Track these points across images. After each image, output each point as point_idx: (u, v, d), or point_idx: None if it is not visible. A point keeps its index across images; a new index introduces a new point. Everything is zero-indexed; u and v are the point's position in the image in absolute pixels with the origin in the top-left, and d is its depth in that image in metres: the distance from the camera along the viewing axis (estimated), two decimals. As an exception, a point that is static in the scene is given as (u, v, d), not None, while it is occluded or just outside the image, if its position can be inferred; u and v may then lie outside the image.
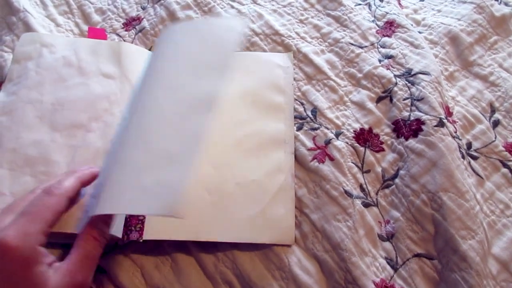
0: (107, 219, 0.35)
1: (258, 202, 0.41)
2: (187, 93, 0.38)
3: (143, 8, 0.58)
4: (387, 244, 0.41)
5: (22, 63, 0.47)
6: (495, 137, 0.47)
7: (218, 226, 0.40)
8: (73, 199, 0.34)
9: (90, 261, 0.32)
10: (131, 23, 0.57)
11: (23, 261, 0.28)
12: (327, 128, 0.46)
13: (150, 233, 0.39)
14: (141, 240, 0.39)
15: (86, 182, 0.36)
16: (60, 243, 0.39)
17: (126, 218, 0.40)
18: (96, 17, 0.58)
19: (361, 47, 0.52)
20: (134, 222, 0.40)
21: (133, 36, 0.55)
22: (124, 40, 0.55)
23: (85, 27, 0.57)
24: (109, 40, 0.55)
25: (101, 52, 0.48)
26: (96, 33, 0.53)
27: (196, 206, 0.41)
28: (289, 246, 0.41)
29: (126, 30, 0.56)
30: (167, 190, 0.32)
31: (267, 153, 0.44)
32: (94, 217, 0.34)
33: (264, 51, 0.52)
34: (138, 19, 0.57)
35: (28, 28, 0.54)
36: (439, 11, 0.59)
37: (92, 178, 0.37)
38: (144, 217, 0.40)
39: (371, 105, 0.48)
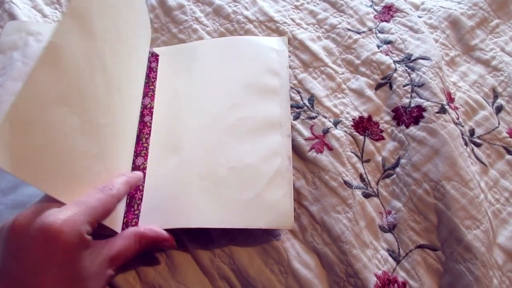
0: (160, 239, 0.37)
1: (254, 186, 0.40)
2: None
3: (133, -3, 0.56)
4: (389, 236, 0.40)
5: (8, 53, 0.45)
6: (499, 123, 0.46)
7: (211, 212, 0.39)
8: (121, 200, 0.36)
9: (127, 258, 0.35)
10: (120, 12, 0.55)
11: (69, 246, 0.29)
12: (325, 117, 0.45)
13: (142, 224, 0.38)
14: None
15: (133, 187, 0.38)
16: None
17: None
18: (84, 7, 0.56)
19: (359, 33, 0.51)
20: (130, 217, 0.38)
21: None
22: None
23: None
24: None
25: None
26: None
27: (187, 192, 0.40)
28: (290, 230, 0.39)
29: (115, 20, 0.54)
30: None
31: (262, 137, 0.42)
32: (156, 231, 0.37)
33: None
34: (127, 8, 0.55)
35: (13, 19, 0.52)
36: (438, -6, 0.57)
37: (138, 182, 0.39)
38: (139, 211, 0.39)
39: (370, 92, 0.46)
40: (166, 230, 0.38)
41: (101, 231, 0.35)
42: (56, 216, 0.29)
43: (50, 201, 0.32)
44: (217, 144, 0.42)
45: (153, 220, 0.38)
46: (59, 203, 0.31)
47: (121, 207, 0.38)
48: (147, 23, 0.51)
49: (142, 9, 0.49)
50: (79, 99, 0.33)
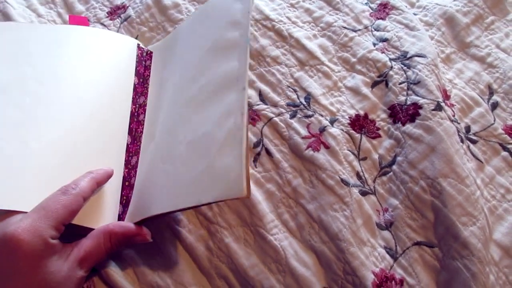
0: (130, 234, 0.36)
1: (205, 156, 0.34)
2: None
3: (128, -4, 0.56)
4: (386, 233, 0.40)
5: None
6: (494, 120, 0.46)
7: (166, 196, 0.35)
8: (88, 198, 0.36)
9: (99, 256, 0.34)
10: (115, 11, 0.55)
11: (33, 254, 0.29)
12: (322, 115, 0.45)
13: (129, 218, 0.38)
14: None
15: (101, 182, 0.37)
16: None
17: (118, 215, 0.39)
18: (80, 6, 0.56)
19: (355, 31, 0.51)
20: (124, 216, 0.38)
21: (118, 25, 0.53)
22: (109, 30, 0.53)
23: (67, 17, 0.54)
24: (91, 27, 0.52)
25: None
26: (78, 21, 0.51)
27: (152, 180, 0.38)
28: (246, 197, 0.30)
29: (110, 19, 0.54)
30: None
31: (219, 99, 0.36)
32: (124, 226, 0.35)
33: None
34: (123, 7, 0.55)
35: (7, 19, 0.52)
36: (433, -9, 0.57)
37: (107, 178, 0.38)
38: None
39: (366, 90, 0.46)
40: (144, 223, 0.36)
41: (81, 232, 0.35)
42: (17, 225, 0.30)
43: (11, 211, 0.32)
44: (178, 121, 0.39)
45: (134, 216, 0.38)
46: (20, 212, 0.32)
47: (105, 204, 0.38)
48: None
49: None
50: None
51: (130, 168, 0.41)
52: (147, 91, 0.46)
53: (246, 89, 0.34)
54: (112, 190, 0.39)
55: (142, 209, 0.37)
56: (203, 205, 0.33)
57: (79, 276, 0.33)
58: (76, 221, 0.35)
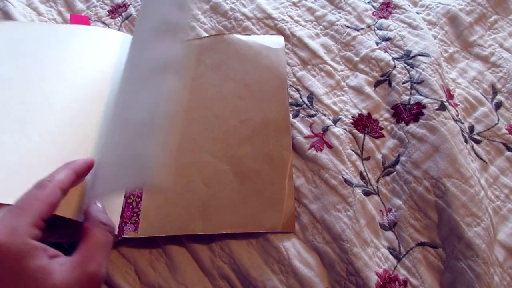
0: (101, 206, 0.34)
1: (136, 142, 0.35)
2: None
3: (129, -6, 0.56)
4: (389, 233, 0.40)
5: None
6: (498, 120, 0.46)
7: (104, 179, 0.36)
8: (67, 189, 0.33)
9: (102, 250, 0.30)
10: (116, 10, 0.54)
11: (13, 256, 0.26)
12: (324, 115, 0.44)
13: (145, 230, 0.38)
14: (136, 231, 0.37)
15: (81, 173, 0.35)
16: (66, 242, 0.38)
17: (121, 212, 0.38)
18: (80, 5, 0.55)
19: (357, 30, 0.50)
20: (128, 214, 0.38)
21: (119, 24, 0.53)
22: (110, 28, 0.53)
23: (69, 16, 0.54)
24: (92, 26, 0.52)
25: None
26: (79, 20, 0.51)
27: (100, 161, 0.38)
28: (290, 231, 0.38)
29: (111, 18, 0.54)
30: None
31: (156, 84, 0.37)
32: (93, 205, 0.33)
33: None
34: (124, 6, 0.55)
35: (7, 17, 0.51)
36: (436, -10, 0.57)
37: (88, 168, 0.36)
38: (139, 209, 0.39)
39: (369, 90, 0.46)
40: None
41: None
42: None
43: None
44: (122, 105, 0.39)
45: (158, 227, 0.38)
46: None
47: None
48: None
49: None
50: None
51: None
52: None
53: (185, 75, 0.34)
54: None
55: (92, 191, 0.36)
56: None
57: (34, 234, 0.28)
58: (58, 212, 0.32)
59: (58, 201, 0.31)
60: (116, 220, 0.37)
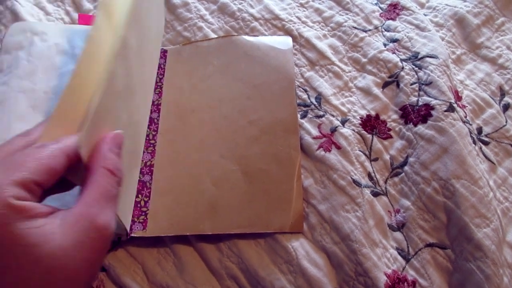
0: (119, 141, 0.28)
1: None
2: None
3: (137, -6, 0.56)
4: (398, 234, 0.40)
5: (13, 53, 0.44)
6: (506, 121, 0.46)
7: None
8: (75, 159, 0.25)
9: (109, 202, 0.25)
10: (124, 10, 0.54)
11: None
12: (333, 116, 0.44)
13: (154, 229, 0.38)
14: (145, 231, 0.37)
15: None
16: None
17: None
18: (88, 5, 0.55)
19: (365, 31, 0.50)
20: (136, 213, 0.38)
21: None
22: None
23: (76, 16, 0.54)
24: None
25: None
26: (87, 19, 0.51)
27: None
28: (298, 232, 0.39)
29: (119, 18, 0.54)
30: None
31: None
32: (104, 142, 0.27)
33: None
34: (131, 6, 0.55)
35: (16, 17, 0.51)
36: (443, -8, 0.57)
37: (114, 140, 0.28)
38: (147, 208, 0.39)
39: (377, 91, 0.46)
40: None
41: None
42: None
43: None
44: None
45: (165, 227, 0.39)
46: None
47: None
48: (162, 16, 0.50)
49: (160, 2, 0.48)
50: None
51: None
52: (161, 90, 0.46)
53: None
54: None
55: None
56: None
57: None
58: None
59: (62, 168, 0.24)
60: (128, 220, 0.37)
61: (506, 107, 0.47)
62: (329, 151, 0.42)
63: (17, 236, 0.21)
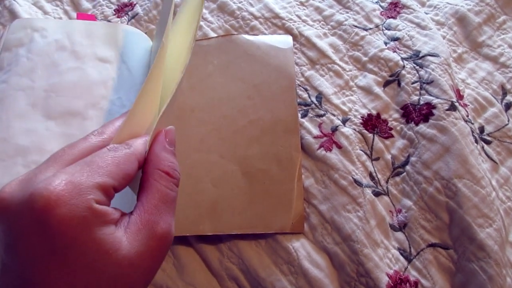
0: (171, 137, 0.27)
1: None
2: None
3: (136, -7, 0.55)
4: (400, 234, 0.39)
5: (13, 50, 0.44)
6: (508, 120, 0.46)
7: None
8: (141, 165, 0.26)
9: (169, 206, 0.24)
10: (123, 9, 0.54)
11: (77, 221, 0.20)
12: (333, 115, 0.44)
13: None
14: None
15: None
16: None
17: None
18: (86, 4, 0.55)
19: (366, 30, 0.50)
20: None
21: (125, 23, 0.53)
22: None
23: (75, 15, 0.54)
24: (104, 22, 0.52)
25: (96, 35, 0.45)
26: (86, 18, 0.51)
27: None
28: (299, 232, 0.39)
29: (118, 17, 0.53)
30: None
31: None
32: (157, 142, 0.26)
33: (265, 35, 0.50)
34: (130, 5, 0.54)
35: (14, 16, 0.51)
36: (444, -10, 0.56)
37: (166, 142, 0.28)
38: None
39: (378, 90, 0.46)
40: None
41: None
42: (48, 181, 0.20)
43: (50, 162, 0.23)
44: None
45: None
46: (58, 164, 0.23)
47: None
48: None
49: None
50: None
51: None
52: None
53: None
54: None
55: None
56: None
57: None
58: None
59: (133, 173, 0.24)
60: None
61: (508, 106, 0.47)
62: (330, 150, 0.42)
63: (95, 240, 0.21)
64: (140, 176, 0.26)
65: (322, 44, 0.49)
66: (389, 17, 0.51)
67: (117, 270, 0.21)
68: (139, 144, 0.25)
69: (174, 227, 0.24)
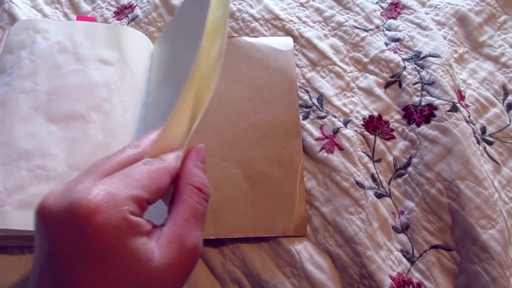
0: (202, 155, 0.29)
1: None
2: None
3: (135, -5, 0.55)
4: (402, 236, 0.39)
5: (15, 53, 0.43)
6: (510, 121, 0.45)
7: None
8: (173, 180, 0.27)
9: (198, 221, 0.25)
10: (122, 11, 0.54)
11: (113, 231, 0.21)
12: (335, 116, 0.44)
13: None
14: None
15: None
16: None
17: None
18: (86, 6, 0.55)
19: (366, 30, 0.50)
20: None
21: (125, 25, 0.53)
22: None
23: (75, 18, 0.54)
24: (106, 23, 0.52)
25: (98, 36, 0.45)
26: (86, 21, 0.50)
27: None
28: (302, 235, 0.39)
29: (117, 19, 0.53)
30: None
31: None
32: (189, 159, 0.28)
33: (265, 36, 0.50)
34: (130, 7, 0.54)
35: (13, 19, 0.51)
36: (444, -10, 0.56)
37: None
38: None
39: (379, 91, 0.46)
40: None
41: None
42: (87, 191, 0.22)
43: (89, 173, 0.24)
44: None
45: None
46: (96, 175, 0.24)
47: None
48: None
49: None
50: None
51: None
52: None
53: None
54: None
55: None
56: None
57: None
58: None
59: (166, 187, 0.25)
60: None
61: (510, 106, 0.47)
62: (332, 152, 0.42)
63: (128, 250, 0.22)
64: (172, 189, 0.27)
65: (323, 45, 0.49)
66: (390, 18, 0.51)
67: (148, 279, 0.22)
68: (172, 159, 0.26)
69: (202, 243, 0.25)
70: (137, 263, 0.22)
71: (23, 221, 0.34)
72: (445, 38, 0.50)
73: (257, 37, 0.49)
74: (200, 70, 0.29)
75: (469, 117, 0.43)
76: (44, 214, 0.22)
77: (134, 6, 0.54)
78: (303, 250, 0.38)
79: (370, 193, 0.40)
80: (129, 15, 0.53)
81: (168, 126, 0.27)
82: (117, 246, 0.21)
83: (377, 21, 0.51)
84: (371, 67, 0.47)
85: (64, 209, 0.21)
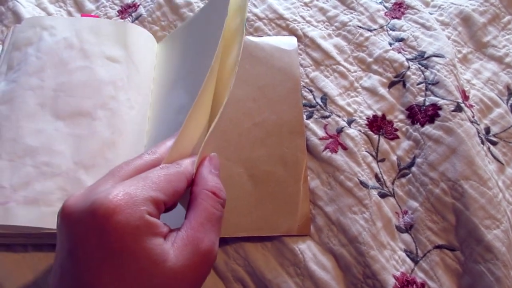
0: (216, 162, 0.30)
1: None
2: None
3: (139, -6, 0.55)
4: (406, 236, 0.39)
5: (23, 49, 0.43)
6: (514, 121, 0.45)
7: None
8: (189, 184, 0.28)
9: (214, 225, 0.26)
10: (126, 10, 0.54)
11: (131, 230, 0.22)
12: (339, 116, 0.44)
13: None
14: None
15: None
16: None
17: None
18: (90, 5, 0.55)
19: (370, 30, 0.50)
20: None
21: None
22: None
23: (79, 16, 0.54)
24: (113, 20, 0.52)
25: (105, 33, 0.45)
26: (91, 20, 0.50)
27: None
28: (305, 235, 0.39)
29: (121, 18, 0.53)
30: None
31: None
32: (204, 166, 0.29)
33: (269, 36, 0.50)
34: (134, 6, 0.54)
35: (18, 18, 0.51)
36: (448, -9, 0.56)
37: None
38: None
39: (383, 91, 0.46)
40: None
41: None
42: (107, 192, 0.23)
43: (109, 176, 0.25)
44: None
45: None
46: (116, 178, 0.25)
47: None
48: None
49: None
50: None
51: None
52: None
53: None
54: None
55: None
56: None
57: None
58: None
59: (182, 191, 0.26)
60: None
61: (514, 107, 0.47)
62: (336, 152, 0.42)
63: (144, 249, 0.22)
64: (188, 194, 0.28)
65: (327, 45, 0.49)
66: (394, 18, 0.51)
67: (162, 280, 0.23)
68: (188, 164, 0.28)
69: (217, 247, 0.26)
70: (153, 263, 0.22)
71: (28, 217, 0.34)
72: (449, 38, 0.50)
73: (261, 36, 0.49)
74: (216, 77, 0.29)
75: (473, 117, 0.43)
76: (65, 215, 0.23)
77: (138, 5, 0.54)
78: (307, 249, 0.38)
79: (374, 192, 0.40)
80: (132, 14, 0.53)
81: (183, 133, 0.28)
82: (134, 246, 0.22)
83: (381, 21, 0.51)
84: (375, 67, 0.47)
85: (85, 209, 0.22)
